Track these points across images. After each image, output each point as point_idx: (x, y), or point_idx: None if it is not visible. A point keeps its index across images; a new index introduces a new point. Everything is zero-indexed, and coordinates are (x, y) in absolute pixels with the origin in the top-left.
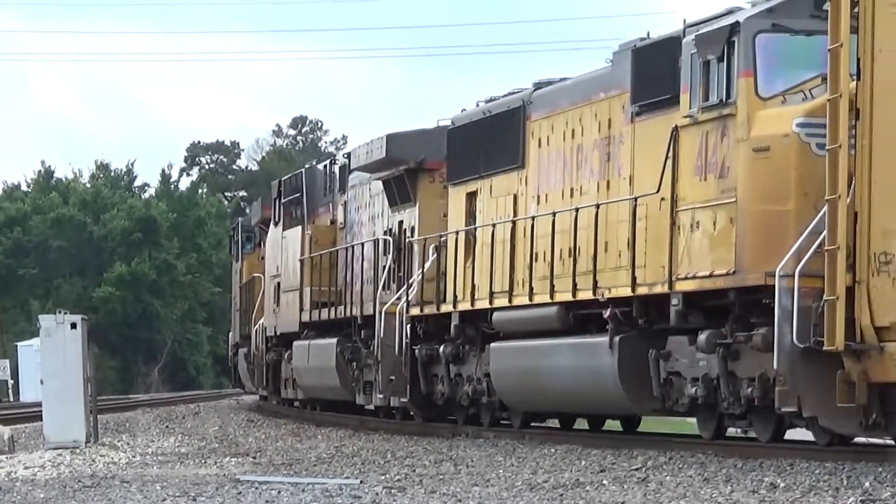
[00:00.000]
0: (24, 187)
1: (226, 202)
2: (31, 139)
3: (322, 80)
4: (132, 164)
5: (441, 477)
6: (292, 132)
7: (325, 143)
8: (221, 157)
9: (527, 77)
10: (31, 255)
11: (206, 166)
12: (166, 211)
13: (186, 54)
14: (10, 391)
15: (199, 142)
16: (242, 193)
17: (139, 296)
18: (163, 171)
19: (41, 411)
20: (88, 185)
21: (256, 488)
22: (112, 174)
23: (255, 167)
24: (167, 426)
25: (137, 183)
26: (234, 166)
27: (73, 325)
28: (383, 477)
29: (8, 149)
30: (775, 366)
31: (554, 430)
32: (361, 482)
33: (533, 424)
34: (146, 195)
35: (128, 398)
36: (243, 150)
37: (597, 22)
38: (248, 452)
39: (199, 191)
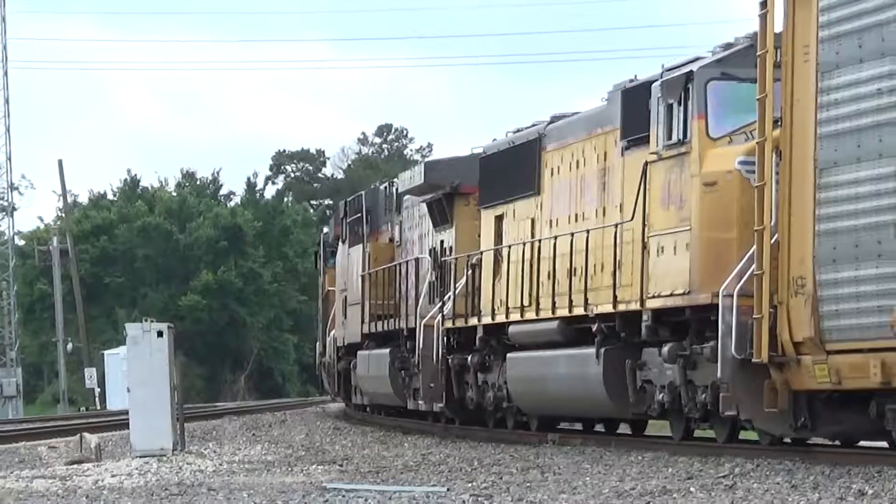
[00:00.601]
0: (110, 196)
1: (311, 210)
2: (117, 148)
3: (407, 88)
4: (218, 173)
5: (528, 484)
6: (377, 140)
7: (411, 150)
8: (307, 165)
9: (607, 83)
10: (118, 263)
11: (292, 174)
12: (252, 219)
13: (271, 63)
14: (97, 399)
15: (284, 150)
16: (328, 202)
17: (225, 304)
18: (248, 179)
19: (128, 419)
20: (174, 194)
21: (343, 496)
22: (198, 182)
23: (340, 175)
24: (254, 434)
25: (223, 191)
26: (320, 174)
27: (160, 334)
28: (470, 485)
29: (94, 158)
30: (719, 374)
31: (643, 438)
32: (448, 490)
33: (547, 427)
34: (232, 203)
35: (214, 406)
36: (329, 159)
37: (678, 29)
38: (334, 460)
39: (285, 199)
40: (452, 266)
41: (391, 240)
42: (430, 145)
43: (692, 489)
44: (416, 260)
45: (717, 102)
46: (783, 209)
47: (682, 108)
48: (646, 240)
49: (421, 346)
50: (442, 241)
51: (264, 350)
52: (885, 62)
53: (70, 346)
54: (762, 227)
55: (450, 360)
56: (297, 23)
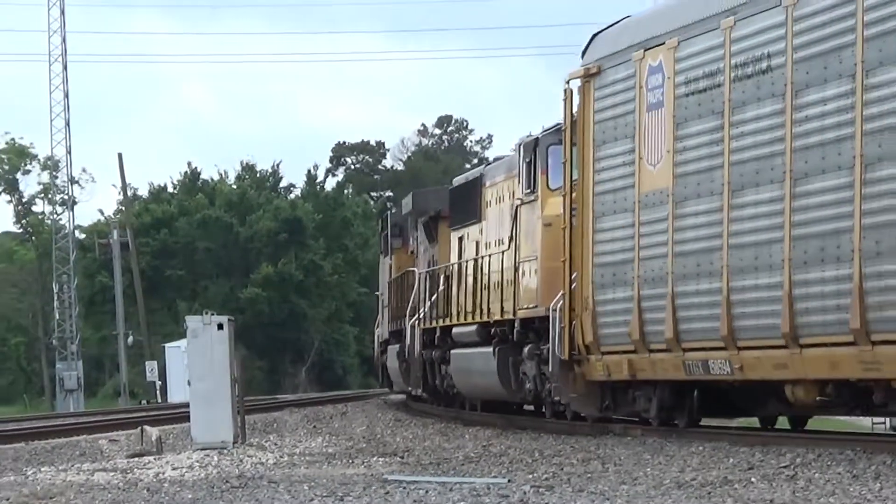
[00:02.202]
0: (170, 189)
1: (371, 202)
2: (177, 141)
3: (468, 79)
4: (278, 165)
5: (589, 475)
6: (437, 131)
7: (471, 142)
8: (367, 157)
9: None
10: (178, 256)
11: (352, 166)
12: (312, 211)
13: (332, 54)
14: (158, 392)
15: (344, 142)
16: (388, 193)
17: (286, 296)
18: (308, 171)
19: (189, 412)
20: (234, 187)
21: (404, 488)
22: (258, 175)
23: (400, 167)
24: (314, 426)
25: (283, 184)
26: (380, 166)
27: (220, 326)
28: (531, 476)
29: (155, 151)
30: (550, 369)
31: (702, 429)
32: (509, 481)
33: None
34: (292, 196)
35: (275, 398)
36: (388, 150)
37: None
38: (395, 452)
39: (345, 191)
40: (432, 277)
41: (411, 252)
42: (489, 136)
43: (753, 479)
44: (408, 272)
45: (555, 162)
46: (578, 246)
47: (533, 165)
48: (517, 265)
49: (408, 342)
50: (433, 256)
51: (325, 342)
52: (627, 142)
53: (131, 339)
54: (565, 258)
55: (423, 355)
56: (359, 14)
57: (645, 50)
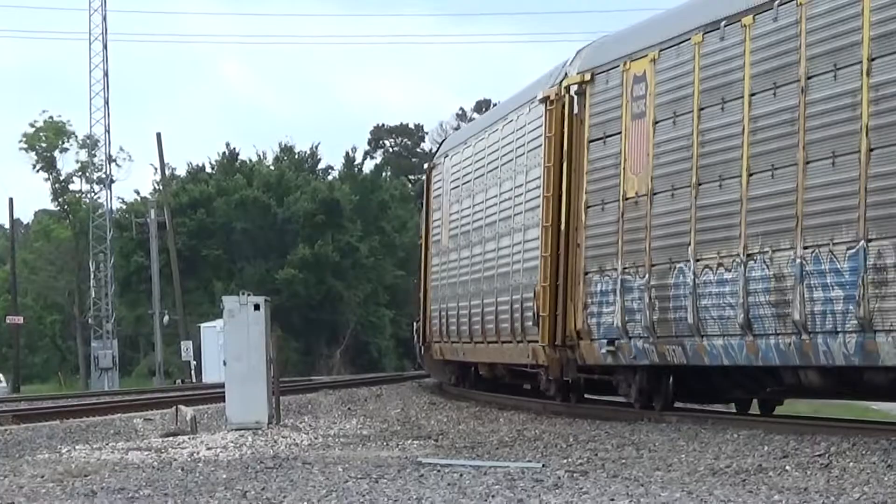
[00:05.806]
0: (208, 169)
1: (409, 185)
2: (216, 121)
3: (507, 64)
4: (316, 147)
5: (623, 461)
6: (476, 115)
7: None
8: (405, 139)
9: None
10: (215, 236)
11: (390, 149)
12: (350, 193)
13: (371, 37)
14: (193, 372)
15: (382, 125)
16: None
17: (322, 278)
18: (346, 153)
19: (224, 392)
20: (272, 168)
21: (438, 471)
22: (296, 156)
23: None
24: (349, 408)
25: (321, 165)
26: (418, 149)
27: (256, 307)
28: (565, 461)
29: (193, 131)
30: (419, 352)
31: (737, 416)
32: (544, 466)
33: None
34: (330, 178)
35: (310, 380)
36: (427, 133)
37: None
38: (430, 435)
39: (383, 174)
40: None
41: None
42: None
43: (787, 468)
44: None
45: None
46: (428, 274)
47: (420, 218)
48: (419, 284)
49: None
50: None
51: (360, 324)
52: (440, 212)
53: (166, 318)
54: (421, 282)
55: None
56: None
57: (444, 157)
